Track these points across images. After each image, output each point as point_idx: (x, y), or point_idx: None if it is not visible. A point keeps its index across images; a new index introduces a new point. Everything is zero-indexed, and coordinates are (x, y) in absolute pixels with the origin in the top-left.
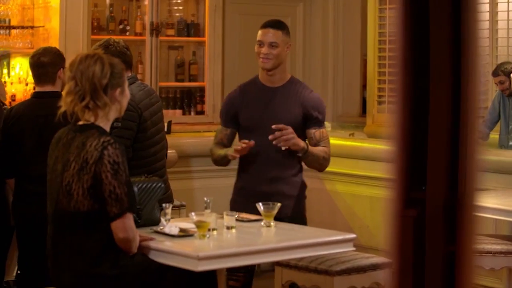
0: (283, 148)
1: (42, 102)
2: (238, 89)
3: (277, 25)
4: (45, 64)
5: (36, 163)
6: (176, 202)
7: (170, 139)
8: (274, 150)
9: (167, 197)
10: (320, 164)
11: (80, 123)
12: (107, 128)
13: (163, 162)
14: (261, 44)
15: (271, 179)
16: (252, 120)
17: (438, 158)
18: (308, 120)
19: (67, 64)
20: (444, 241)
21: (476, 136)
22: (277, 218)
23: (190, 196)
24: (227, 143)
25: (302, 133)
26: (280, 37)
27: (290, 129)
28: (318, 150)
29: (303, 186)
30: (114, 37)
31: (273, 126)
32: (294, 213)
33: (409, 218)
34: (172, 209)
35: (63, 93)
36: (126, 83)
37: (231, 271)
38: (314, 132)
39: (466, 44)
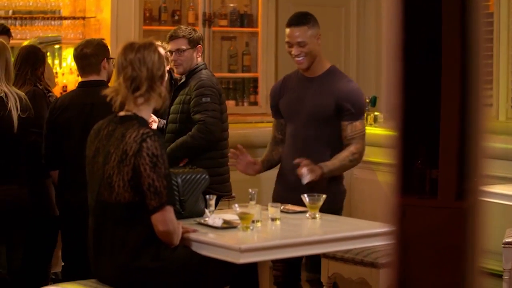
0: (305, 182)
1: (88, 91)
2: (281, 79)
3: (301, 21)
4: (88, 55)
5: (83, 151)
6: None
7: None
8: (305, 140)
9: (230, 186)
10: (350, 167)
11: (121, 114)
12: (148, 117)
13: (228, 150)
14: (290, 45)
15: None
16: (287, 110)
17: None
18: (340, 112)
19: (119, 50)
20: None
21: (482, 125)
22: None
23: (239, 188)
24: (281, 136)
25: (335, 125)
26: (307, 32)
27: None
28: (340, 159)
29: (336, 178)
30: (167, 27)
31: (295, 161)
32: (324, 205)
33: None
34: (221, 200)
35: (119, 78)
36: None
37: (274, 261)
38: (347, 125)
39: (474, 42)
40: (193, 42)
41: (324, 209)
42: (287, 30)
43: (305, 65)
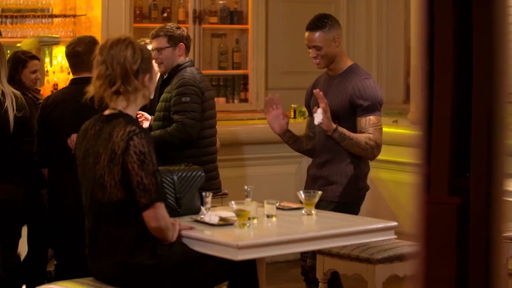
0: (316, 123)
1: (80, 88)
2: (315, 79)
3: (316, 26)
4: (80, 53)
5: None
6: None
7: None
8: (325, 136)
9: (217, 184)
10: (363, 149)
11: (107, 112)
12: (134, 114)
13: (216, 147)
14: (308, 47)
15: (319, 164)
16: (314, 107)
17: (481, 145)
18: (354, 108)
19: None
20: (488, 228)
21: (505, 121)
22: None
23: (231, 185)
24: (311, 133)
25: (352, 121)
26: (321, 37)
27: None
28: (358, 135)
29: (354, 174)
30: (157, 25)
31: (315, 91)
32: (337, 198)
33: (453, 205)
34: (214, 198)
35: (93, 77)
36: (154, 70)
37: (303, 253)
38: (360, 120)
39: (499, 33)
40: (174, 40)
41: (340, 202)
42: (305, 34)
43: (322, 66)
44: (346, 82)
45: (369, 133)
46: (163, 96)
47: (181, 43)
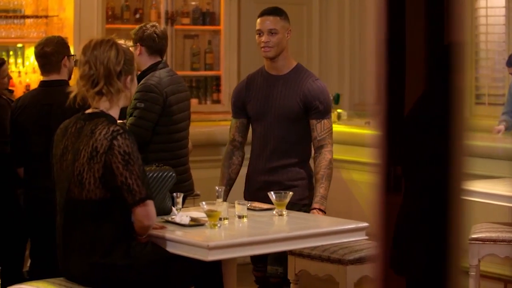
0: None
1: (47, 91)
2: (245, 79)
3: (275, 11)
4: (48, 54)
5: (40, 151)
6: None
7: None
8: (275, 140)
9: (188, 186)
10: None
11: (88, 111)
12: (116, 115)
13: (187, 150)
14: (260, 33)
15: (271, 169)
16: (256, 110)
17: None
18: (309, 110)
19: (80, 48)
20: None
21: (463, 120)
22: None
23: (204, 186)
24: (240, 138)
25: (303, 124)
26: (279, 23)
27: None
28: (326, 176)
29: (308, 176)
30: (129, 26)
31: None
32: (297, 201)
33: (396, 205)
34: (187, 198)
35: (77, 77)
36: (135, 71)
37: (256, 262)
38: (316, 123)
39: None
40: (134, 41)
41: (307, 205)
42: (259, 20)
43: (272, 54)
44: (296, 83)
45: (325, 151)
46: None
47: (137, 44)
